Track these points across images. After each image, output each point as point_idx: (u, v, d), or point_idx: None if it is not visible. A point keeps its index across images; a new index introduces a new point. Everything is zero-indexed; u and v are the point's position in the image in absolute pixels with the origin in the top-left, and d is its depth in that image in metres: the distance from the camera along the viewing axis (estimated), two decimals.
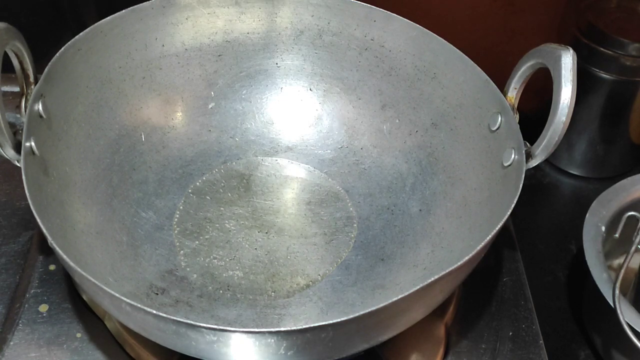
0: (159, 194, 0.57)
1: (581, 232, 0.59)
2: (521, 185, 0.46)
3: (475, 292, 0.56)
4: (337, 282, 0.53)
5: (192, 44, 0.59)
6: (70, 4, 0.74)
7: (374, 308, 0.38)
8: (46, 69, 0.49)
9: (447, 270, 0.40)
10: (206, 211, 0.57)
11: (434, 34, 0.56)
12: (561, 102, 0.47)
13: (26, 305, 0.53)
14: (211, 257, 0.54)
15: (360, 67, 0.60)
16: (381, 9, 0.57)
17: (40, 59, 0.50)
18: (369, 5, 0.58)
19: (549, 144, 0.48)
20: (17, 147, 0.47)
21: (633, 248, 0.57)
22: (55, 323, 0.52)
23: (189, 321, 0.38)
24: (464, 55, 0.54)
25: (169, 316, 0.38)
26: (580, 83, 0.47)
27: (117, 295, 0.39)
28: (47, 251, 0.56)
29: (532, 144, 0.49)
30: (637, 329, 0.52)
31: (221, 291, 0.52)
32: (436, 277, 0.40)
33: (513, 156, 0.49)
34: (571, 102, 0.46)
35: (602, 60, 0.67)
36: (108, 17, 0.54)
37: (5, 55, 0.46)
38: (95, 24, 0.54)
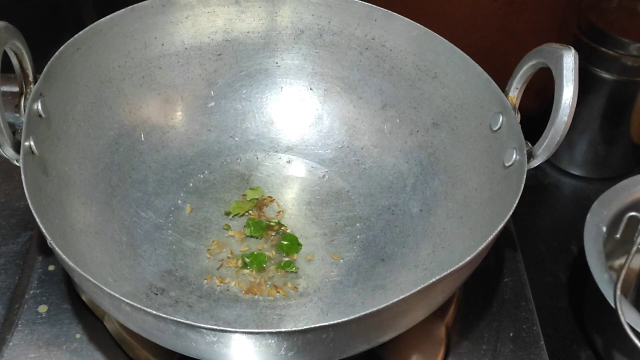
0: (159, 194, 0.57)
1: (582, 232, 0.59)
2: (522, 186, 0.46)
3: (476, 293, 0.56)
4: (338, 282, 0.53)
5: (191, 43, 0.59)
6: (70, 3, 0.74)
7: (374, 309, 0.38)
8: (45, 68, 0.49)
9: (448, 271, 0.40)
10: (206, 211, 0.57)
11: (435, 34, 0.55)
12: (563, 102, 0.46)
13: (25, 306, 0.52)
14: (211, 257, 0.54)
15: (361, 67, 0.60)
16: (382, 8, 0.57)
17: (40, 58, 0.50)
18: (369, 4, 0.58)
19: (550, 144, 0.47)
20: (17, 147, 0.46)
21: (634, 248, 0.57)
22: (54, 324, 0.52)
23: (188, 322, 0.38)
24: (465, 54, 0.54)
25: (168, 316, 0.38)
26: (581, 83, 0.47)
27: (116, 295, 0.39)
28: (47, 252, 0.56)
29: (533, 144, 0.49)
30: (638, 330, 0.52)
31: (221, 291, 0.52)
32: (437, 277, 0.40)
33: (514, 156, 0.49)
34: (573, 102, 0.46)
35: (603, 60, 0.66)
36: (107, 16, 0.54)
37: (5, 55, 0.46)
38: (95, 23, 0.54)
